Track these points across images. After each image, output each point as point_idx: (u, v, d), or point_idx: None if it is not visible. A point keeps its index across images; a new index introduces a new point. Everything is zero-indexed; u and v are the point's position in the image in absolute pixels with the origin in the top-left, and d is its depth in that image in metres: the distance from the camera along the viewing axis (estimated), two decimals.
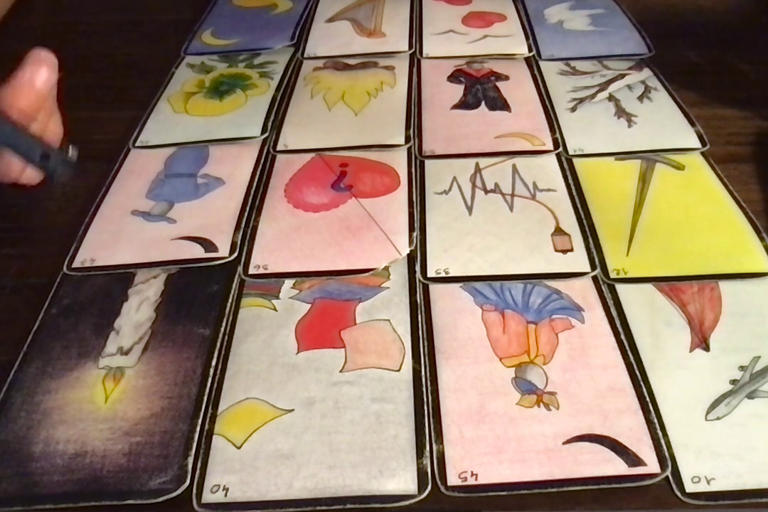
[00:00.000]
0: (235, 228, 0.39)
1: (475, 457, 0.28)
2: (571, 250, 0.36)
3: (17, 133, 0.33)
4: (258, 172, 0.43)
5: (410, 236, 0.38)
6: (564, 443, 0.28)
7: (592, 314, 0.33)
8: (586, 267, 0.35)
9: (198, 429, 0.29)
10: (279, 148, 0.45)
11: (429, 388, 0.30)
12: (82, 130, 0.48)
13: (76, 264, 0.37)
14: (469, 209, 0.39)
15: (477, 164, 0.43)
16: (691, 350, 0.31)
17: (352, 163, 0.43)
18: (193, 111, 0.49)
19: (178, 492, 0.27)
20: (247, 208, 0.40)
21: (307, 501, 0.27)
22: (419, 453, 0.28)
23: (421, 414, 0.29)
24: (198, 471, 0.28)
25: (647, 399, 0.29)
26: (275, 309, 0.34)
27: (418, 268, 0.36)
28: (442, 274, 0.35)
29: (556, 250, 0.36)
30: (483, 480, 0.27)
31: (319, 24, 0.59)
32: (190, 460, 0.28)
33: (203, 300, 0.35)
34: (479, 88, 0.50)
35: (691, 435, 0.28)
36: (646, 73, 0.50)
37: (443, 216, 0.39)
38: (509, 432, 0.29)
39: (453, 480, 0.27)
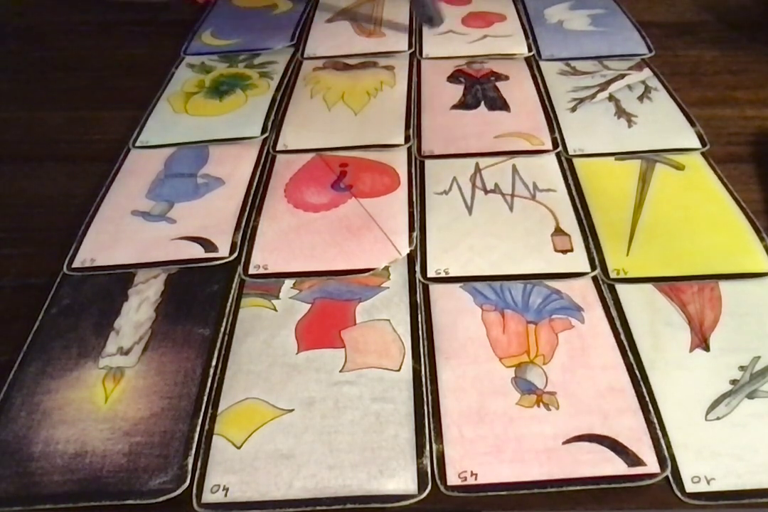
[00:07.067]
0: (235, 228, 0.39)
1: (474, 457, 0.28)
2: (571, 250, 0.36)
3: None
4: (258, 172, 0.43)
5: (410, 236, 0.38)
6: (564, 443, 0.28)
7: (592, 314, 0.33)
8: (586, 268, 0.35)
9: (198, 429, 0.29)
10: (279, 148, 0.45)
11: (429, 388, 0.30)
12: (82, 130, 0.49)
13: (76, 264, 0.37)
14: (469, 209, 0.39)
15: (477, 164, 0.43)
16: (691, 350, 0.31)
17: (351, 163, 0.43)
18: (193, 111, 0.49)
19: (178, 492, 0.27)
20: (247, 208, 0.40)
21: (307, 501, 0.27)
22: (419, 453, 0.28)
23: (421, 414, 0.29)
24: (198, 471, 0.28)
25: (647, 399, 0.29)
26: (275, 309, 0.34)
27: (418, 268, 0.36)
28: (442, 274, 0.35)
29: (556, 250, 0.36)
30: (483, 480, 0.27)
31: (319, 24, 0.59)
32: (190, 460, 0.28)
33: (203, 300, 0.35)
34: (479, 88, 0.50)
35: (691, 435, 0.28)
36: (646, 73, 0.50)
37: (443, 216, 0.39)
38: (509, 432, 0.29)
39: (453, 480, 0.27)
